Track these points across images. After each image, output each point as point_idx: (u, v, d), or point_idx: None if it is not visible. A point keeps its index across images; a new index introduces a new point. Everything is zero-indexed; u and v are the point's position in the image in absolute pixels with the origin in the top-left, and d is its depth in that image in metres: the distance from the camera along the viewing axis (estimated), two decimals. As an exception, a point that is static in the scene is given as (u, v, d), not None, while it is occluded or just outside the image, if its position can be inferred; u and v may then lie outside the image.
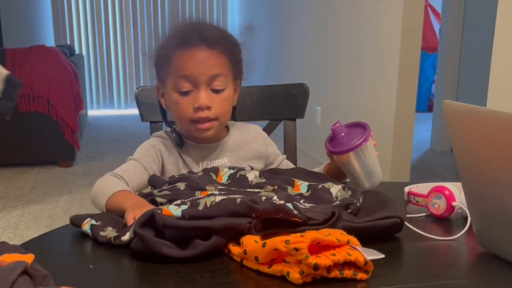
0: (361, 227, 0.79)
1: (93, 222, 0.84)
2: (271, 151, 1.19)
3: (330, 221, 0.78)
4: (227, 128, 1.17)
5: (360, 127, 1.03)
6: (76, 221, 0.86)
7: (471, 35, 4.23)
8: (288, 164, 1.20)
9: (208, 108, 1.05)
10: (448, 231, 0.90)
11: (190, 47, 1.04)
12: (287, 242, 0.65)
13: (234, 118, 1.21)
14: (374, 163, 1.02)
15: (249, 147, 1.16)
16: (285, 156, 1.23)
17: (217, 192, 0.87)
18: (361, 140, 0.99)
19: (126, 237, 0.77)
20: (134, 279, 0.72)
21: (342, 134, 1.02)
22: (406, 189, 1.03)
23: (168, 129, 1.16)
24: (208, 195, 0.83)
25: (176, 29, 1.09)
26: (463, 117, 0.75)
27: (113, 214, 0.89)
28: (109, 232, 0.81)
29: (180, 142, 1.11)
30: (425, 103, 6.50)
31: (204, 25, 1.09)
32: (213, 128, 1.08)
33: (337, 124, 1.02)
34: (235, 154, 1.14)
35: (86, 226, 0.84)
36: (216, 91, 1.06)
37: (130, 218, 0.82)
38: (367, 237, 0.74)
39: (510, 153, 0.67)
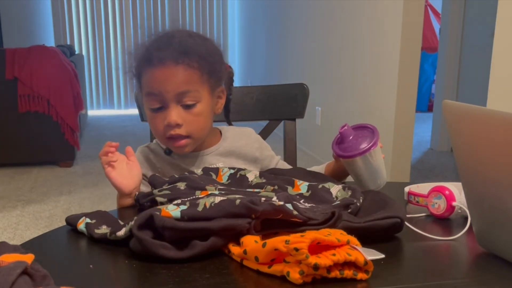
0: (361, 227, 0.79)
1: (88, 220, 0.84)
2: (265, 154, 1.19)
3: (330, 221, 0.78)
4: (219, 133, 1.17)
5: (367, 129, 1.02)
6: (71, 221, 0.87)
7: (471, 35, 4.23)
8: (284, 165, 1.20)
9: (178, 125, 1.03)
10: (448, 231, 0.90)
11: (153, 65, 1.01)
12: (287, 242, 0.65)
13: (228, 121, 1.21)
14: (380, 166, 1.02)
15: (244, 152, 1.15)
16: (279, 157, 1.23)
17: (217, 192, 0.87)
18: (370, 145, 0.98)
19: (121, 232, 0.77)
20: (134, 279, 0.72)
21: (350, 137, 1.01)
22: (406, 189, 1.03)
23: None
24: (208, 195, 0.83)
25: (142, 45, 1.06)
26: (463, 117, 0.75)
27: (107, 213, 0.89)
28: (104, 230, 0.81)
29: (168, 150, 1.11)
30: (425, 103, 6.50)
31: (170, 38, 1.03)
32: (189, 145, 1.06)
33: (345, 127, 1.01)
34: (229, 159, 1.13)
35: (81, 225, 0.84)
36: (187, 107, 1.03)
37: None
38: (367, 237, 0.74)
39: (510, 153, 0.67)
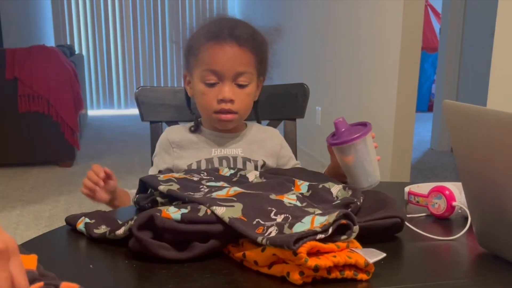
0: (361, 227, 0.78)
1: (87, 220, 0.84)
2: (284, 153, 1.23)
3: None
4: (245, 124, 1.22)
5: (362, 125, 1.04)
6: (71, 221, 0.87)
7: (471, 35, 4.23)
8: None
9: (231, 101, 1.10)
10: (448, 231, 0.90)
11: (220, 43, 1.08)
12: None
13: (256, 113, 1.25)
14: (372, 163, 1.02)
15: (264, 144, 1.20)
16: (299, 162, 1.25)
17: (235, 199, 0.82)
18: (359, 135, 1.00)
19: (120, 231, 0.77)
20: (134, 279, 0.72)
21: (343, 129, 1.03)
22: (406, 189, 1.03)
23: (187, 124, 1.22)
24: (217, 202, 0.80)
25: (207, 22, 1.13)
26: (463, 117, 0.75)
27: (107, 213, 0.89)
28: (103, 230, 0.81)
29: (196, 128, 1.17)
30: (425, 103, 6.50)
31: (236, 22, 1.12)
32: (234, 121, 1.14)
33: (340, 119, 1.04)
34: (250, 147, 1.18)
35: (80, 225, 0.84)
36: (240, 86, 1.11)
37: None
38: (367, 237, 0.74)
39: (510, 153, 0.67)
